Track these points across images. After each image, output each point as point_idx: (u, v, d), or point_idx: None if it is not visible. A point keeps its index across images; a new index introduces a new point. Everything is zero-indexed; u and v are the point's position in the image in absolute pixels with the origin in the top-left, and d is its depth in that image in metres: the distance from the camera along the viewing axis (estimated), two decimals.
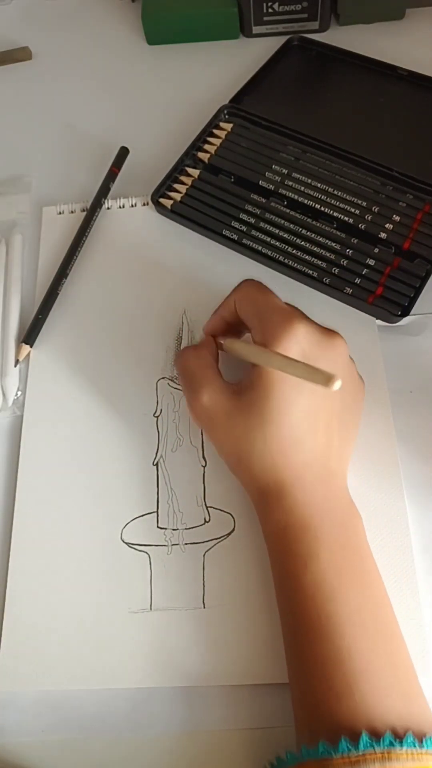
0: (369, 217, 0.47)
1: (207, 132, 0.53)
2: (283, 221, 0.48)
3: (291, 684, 0.32)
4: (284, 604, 0.33)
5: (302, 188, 0.49)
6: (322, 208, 0.48)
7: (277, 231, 0.47)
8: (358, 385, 0.38)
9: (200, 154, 0.52)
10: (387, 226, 0.46)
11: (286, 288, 0.46)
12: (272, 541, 0.35)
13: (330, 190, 0.48)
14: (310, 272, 0.45)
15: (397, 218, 0.47)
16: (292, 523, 0.33)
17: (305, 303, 0.44)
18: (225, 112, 0.54)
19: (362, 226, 0.47)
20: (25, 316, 0.47)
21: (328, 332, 0.35)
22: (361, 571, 0.33)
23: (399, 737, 0.28)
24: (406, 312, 0.43)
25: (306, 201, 0.48)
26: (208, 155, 0.52)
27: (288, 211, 0.48)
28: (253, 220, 0.48)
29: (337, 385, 0.28)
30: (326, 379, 0.28)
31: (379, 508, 0.38)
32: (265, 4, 0.58)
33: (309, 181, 0.49)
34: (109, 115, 0.58)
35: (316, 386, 0.29)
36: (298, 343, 0.33)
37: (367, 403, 0.41)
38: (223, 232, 0.48)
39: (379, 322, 0.44)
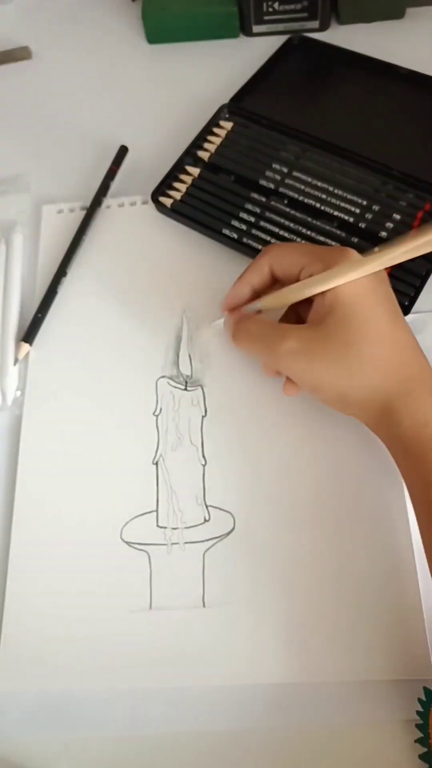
0: (369, 216, 0.47)
1: (207, 131, 0.53)
2: (283, 220, 0.47)
3: None
4: None
5: (303, 187, 0.49)
6: (323, 207, 0.48)
7: (277, 230, 0.47)
8: None
9: (200, 153, 0.52)
10: (387, 225, 0.46)
11: None
12: (412, 443, 0.34)
13: (330, 188, 0.48)
14: None
15: (398, 217, 0.47)
16: None
17: None
18: (225, 110, 0.54)
19: (363, 225, 0.47)
20: (25, 315, 0.47)
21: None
22: None
23: None
24: (406, 311, 0.43)
25: (306, 200, 0.48)
26: (208, 154, 0.51)
27: (288, 209, 0.48)
28: (253, 219, 0.48)
29: None
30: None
31: (379, 508, 0.38)
32: (265, 4, 0.58)
33: (309, 179, 0.49)
34: (109, 115, 0.58)
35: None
36: (361, 263, 0.35)
37: None
38: (223, 231, 0.47)
39: None
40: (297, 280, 0.37)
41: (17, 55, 0.62)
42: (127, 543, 0.39)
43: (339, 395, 0.36)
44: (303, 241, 0.39)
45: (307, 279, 0.36)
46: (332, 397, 0.36)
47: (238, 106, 0.54)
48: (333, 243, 0.46)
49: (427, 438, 0.33)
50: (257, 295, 0.40)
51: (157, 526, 0.39)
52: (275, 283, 0.39)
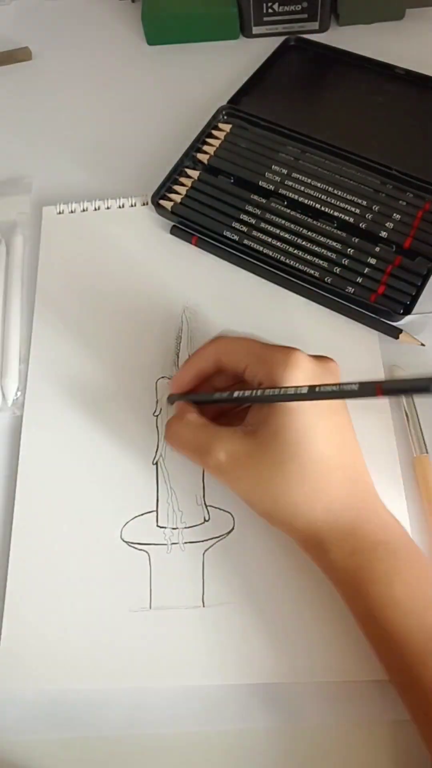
0: (369, 216, 0.47)
1: (206, 133, 0.53)
2: (283, 221, 0.48)
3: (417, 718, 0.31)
4: (380, 637, 0.32)
5: (302, 188, 0.49)
6: (323, 208, 0.48)
7: (277, 231, 0.47)
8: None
9: (199, 155, 0.52)
10: (388, 224, 0.46)
11: (284, 301, 0.46)
12: (343, 575, 0.32)
13: (330, 189, 0.48)
14: (312, 272, 0.45)
15: (398, 217, 0.47)
16: (360, 546, 0.32)
17: (304, 315, 0.45)
18: (223, 112, 0.54)
19: (363, 225, 0.47)
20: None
21: (323, 358, 0.36)
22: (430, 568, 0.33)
23: None
24: (408, 310, 0.43)
25: (306, 201, 0.48)
26: (207, 156, 0.51)
27: (288, 211, 0.48)
28: (253, 221, 0.48)
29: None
30: (373, 389, 0.27)
31: None
32: (264, 5, 0.58)
33: (309, 180, 0.49)
34: (109, 115, 0.58)
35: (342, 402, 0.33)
36: (303, 371, 0.33)
37: (366, 404, 0.41)
38: (224, 233, 0.47)
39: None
40: (242, 375, 0.36)
41: (17, 55, 0.62)
42: (127, 543, 0.39)
43: (266, 512, 0.35)
44: (252, 336, 0.36)
45: (237, 392, 0.35)
46: (259, 512, 0.35)
47: (236, 108, 0.54)
48: (334, 243, 0.46)
49: (355, 567, 0.32)
50: (202, 380, 0.38)
51: (157, 526, 0.39)
52: (221, 372, 0.38)
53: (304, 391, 0.31)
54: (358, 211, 0.47)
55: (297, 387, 0.31)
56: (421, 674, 0.30)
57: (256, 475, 0.33)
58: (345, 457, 0.34)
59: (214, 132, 0.53)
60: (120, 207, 0.51)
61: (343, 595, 0.33)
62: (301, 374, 0.33)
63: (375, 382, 0.27)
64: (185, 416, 0.37)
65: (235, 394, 0.35)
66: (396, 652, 0.31)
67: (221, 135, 0.52)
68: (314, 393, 0.30)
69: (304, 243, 0.46)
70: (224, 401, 0.37)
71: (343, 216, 0.47)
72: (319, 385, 0.30)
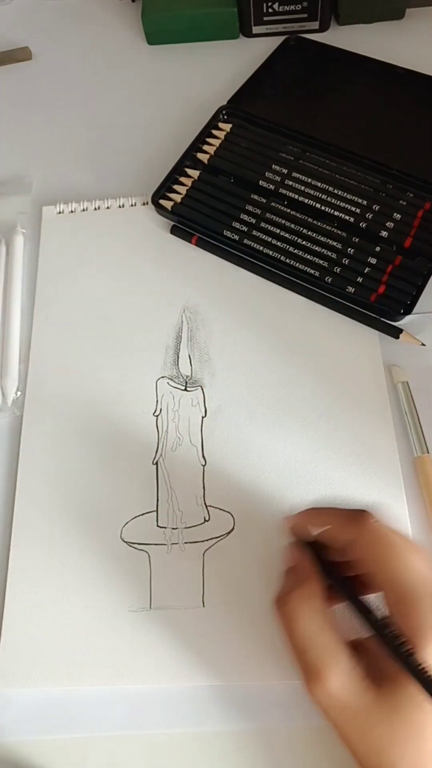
0: (370, 216, 0.47)
1: (206, 133, 0.53)
2: (283, 221, 0.48)
3: None
4: None
5: (302, 188, 0.49)
6: (323, 208, 0.48)
7: (277, 231, 0.47)
8: None
9: (200, 155, 0.52)
10: (388, 224, 0.46)
11: (284, 301, 0.46)
12: None
13: (330, 189, 0.48)
14: (312, 272, 0.45)
15: (398, 216, 0.47)
16: None
17: (304, 315, 0.45)
18: (224, 112, 0.54)
19: (363, 225, 0.47)
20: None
21: None
22: None
23: None
24: (408, 310, 0.43)
25: (306, 200, 0.48)
26: (207, 156, 0.51)
27: (288, 210, 0.48)
28: (253, 221, 0.48)
29: None
30: None
31: (379, 507, 0.38)
32: (264, 4, 0.58)
33: (309, 180, 0.49)
34: (109, 115, 0.58)
35: None
36: None
37: (367, 404, 0.41)
38: (224, 233, 0.47)
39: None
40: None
41: (17, 55, 0.62)
42: (127, 543, 0.39)
43: (361, 762, 0.28)
44: (417, 555, 0.29)
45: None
46: (355, 756, 0.28)
47: (237, 107, 0.54)
48: (334, 243, 0.46)
49: None
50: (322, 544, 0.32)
51: (157, 526, 0.39)
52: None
53: None
54: (358, 210, 0.47)
55: None
56: None
57: (364, 736, 0.27)
58: None
59: (215, 132, 0.53)
60: (120, 207, 0.51)
61: None
62: None
63: None
64: (314, 601, 0.30)
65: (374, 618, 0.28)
66: None
67: (221, 135, 0.52)
68: None
69: (304, 243, 0.46)
70: (363, 619, 0.29)
71: (343, 216, 0.47)
72: None
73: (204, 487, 0.40)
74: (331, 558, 0.32)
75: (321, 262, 0.45)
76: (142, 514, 0.39)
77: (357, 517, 0.30)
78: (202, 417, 0.42)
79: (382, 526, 0.30)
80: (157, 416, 0.42)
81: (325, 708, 0.28)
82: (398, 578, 0.28)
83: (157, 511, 0.39)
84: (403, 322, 0.43)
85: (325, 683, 0.28)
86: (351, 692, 0.28)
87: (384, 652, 0.28)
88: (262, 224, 0.48)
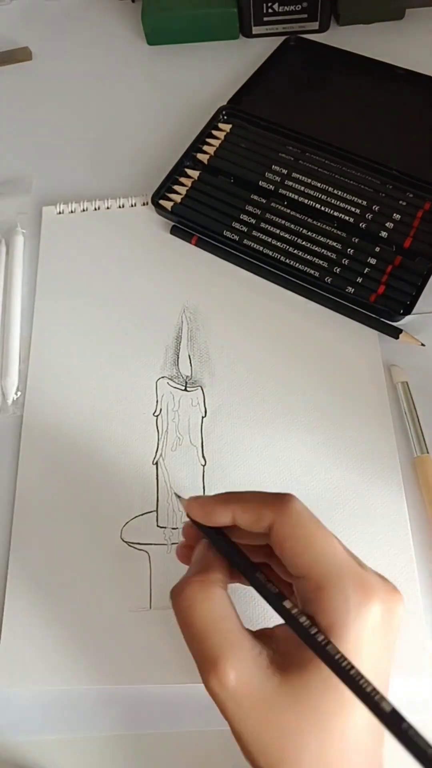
0: (369, 216, 0.47)
1: (206, 133, 0.53)
2: (283, 221, 0.48)
3: None
4: None
5: (302, 188, 0.49)
6: (323, 208, 0.48)
7: (277, 231, 0.47)
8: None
9: (199, 156, 0.52)
10: (388, 224, 0.46)
11: (284, 301, 0.46)
12: None
13: (330, 189, 0.48)
14: (312, 272, 0.45)
15: (398, 217, 0.47)
16: None
17: (304, 315, 0.45)
18: (223, 112, 0.54)
19: (363, 225, 0.47)
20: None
21: (392, 590, 0.27)
22: None
23: None
24: (408, 310, 0.43)
25: (306, 201, 0.48)
26: (207, 156, 0.51)
27: (288, 211, 0.48)
28: (253, 221, 0.48)
29: None
30: None
31: (379, 507, 0.38)
32: (264, 5, 0.58)
33: (309, 181, 0.49)
34: (109, 116, 0.58)
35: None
36: (372, 624, 0.25)
37: (367, 404, 0.41)
38: (224, 233, 0.47)
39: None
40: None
41: (17, 55, 0.63)
42: (127, 543, 0.39)
43: (252, 764, 0.26)
44: (330, 536, 0.28)
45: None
46: (246, 756, 0.26)
47: (237, 108, 0.54)
48: (334, 243, 0.46)
49: None
50: (239, 531, 0.29)
51: (157, 525, 0.39)
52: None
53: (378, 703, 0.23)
54: (358, 211, 0.47)
55: (366, 681, 0.24)
56: None
57: (266, 727, 0.25)
58: (374, 740, 0.26)
59: (215, 132, 0.53)
60: (120, 207, 0.51)
61: None
62: (370, 626, 0.25)
63: None
64: (211, 589, 0.27)
65: (287, 604, 0.26)
66: None
67: (221, 135, 0.53)
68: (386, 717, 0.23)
69: (304, 243, 0.46)
70: (259, 590, 0.28)
71: (343, 216, 0.47)
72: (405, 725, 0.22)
73: (204, 487, 0.40)
74: (244, 542, 0.30)
75: (321, 262, 0.45)
76: (142, 514, 0.39)
77: (278, 499, 0.28)
78: (202, 417, 0.42)
79: (306, 509, 0.28)
80: (157, 416, 0.42)
81: (222, 702, 0.26)
82: (322, 560, 0.26)
83: (157, 511, 0.39)
84: (402, 323, 0.43)
85: (222, 674, 0.25)
86: (251, 682, 0.25)
87: (295, 639, 0.26)
88: (262, 224, 0.48)
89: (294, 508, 0.28)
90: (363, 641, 0.25)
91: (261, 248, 0.46)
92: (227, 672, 0.25)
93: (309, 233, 0.47)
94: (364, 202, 0.47)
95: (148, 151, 0.54)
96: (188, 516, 0.30)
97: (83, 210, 0.51)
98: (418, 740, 0.22)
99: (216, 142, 0.52)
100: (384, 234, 0.46)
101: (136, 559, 0.38)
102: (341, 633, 0.25)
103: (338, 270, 0.45)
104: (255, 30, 0.60)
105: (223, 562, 0.29)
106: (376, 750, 0.26)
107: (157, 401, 0.43)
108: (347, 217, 0.47)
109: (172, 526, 0.39)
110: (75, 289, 0.48)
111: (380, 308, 0.43)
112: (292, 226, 0.47)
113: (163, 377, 0.44)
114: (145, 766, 0.34)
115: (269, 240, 0.47)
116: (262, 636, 0.27)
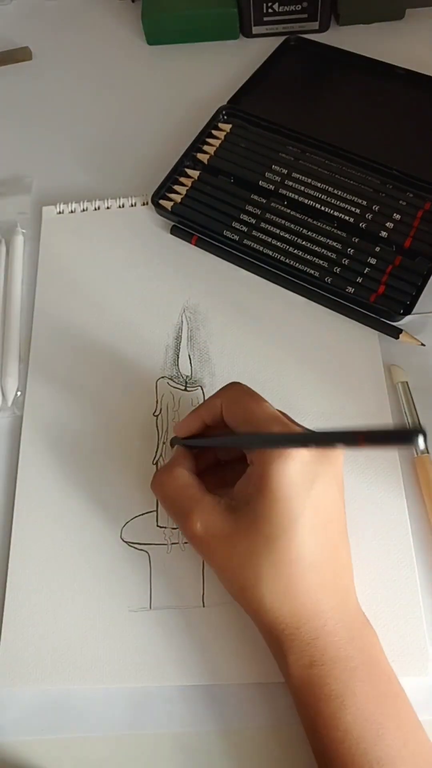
0: (370, 216, 0.47)
1: (206, 133, 0.53)
2: (283, 221, 0.48)
3: None
4: (324, 755, 0.29)
5: (302, 188, 0.49)
6: (323, 208, 0.48)
7: (277, 231, 0.47)
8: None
9: (199, 155, 0.52)
10: (388, 224, 0.46)
11: (284, 301, 0.46)
12: (298, 684, 0.30)
13: (330, 189, 0.48)
14: (312, 272, 0.45)
15: (398, 217, 0.47)
16: (319, 659, 0.30)
17: (304, 315, 0.45)
18: (223, 112, 0.54)
19: (363, 225, 0.47)
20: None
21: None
22: (395, 697, 0.31)
23: None
24: (408, 310, 0.43)
25: (306, 201, 0.48)
26: (207, 156, 0.51)
27: (288, 211, 0.48)
28: (253, 221, 0.48)
29: (421, 441, 0.23)
30: (405, 436, 0.24)
31: (379, 507, 0.38)
32: (264, 5, 0.58)
33: (309, 180, 0.49)
34: (109, 116, 0.58)
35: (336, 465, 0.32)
36: (299, 457, 0.30)
37: (367, 404, 0.41)
38: (224, 233, 0.47)
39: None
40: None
41: (17, 55, 0.63)
42: (127, 543, 0.39)
43: (232, 594, 0.33)
44: (263, 402, 0.34)
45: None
46: (227, 589, 0.33)
47: (236, 107, 0.54)
48: (334, 243, 0.46)
49: (310, 681, 0.30)
50: (210, 430, 0.36)
51: (157, 525, 0.39)
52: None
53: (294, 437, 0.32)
54: (358, 211, 0.47)
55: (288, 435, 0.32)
56: None
57: (229, 558, 0.31)
58: (325, 557, 0.31)
59: (214, 132, 0.53)
60: (120, 207, 0.51)
61: (295, 702, 0.31)
62: (296, 462, 0.30)
63: (358, 432, 0.25)
64: (174, 470, 0.35)
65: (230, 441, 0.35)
66: None
67: (221, 135, 0.53)
68: (294, 440, 0.32)
69: (304, 243, 0.46)
70: (218, 445, 0.37)
71: (343, 216, 0.47)
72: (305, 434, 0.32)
73: None
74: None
75: (321, 262, 0.45)
76: (142, 514, 0.39)
77: (223, 387, 0.35)
78: None
79: (244, 387, 0.35)
80: (157, 416, 0.42)
81: (198, 543, 0.32)
82: (252, 419, 0.33)
83: (157, 510, 0.39)
84: (402, 322, 0.43)
85: (192, 524, 0.32)
86: (214, 525, 0.32)
87: (243, 482, 0.32)
88: (262, 224, 0.48)
89: (233, 388, 0.35)
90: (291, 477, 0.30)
91: (261, 248, 0.46)
92: (195, 521, 0.32)
93: (309, 233, 0.47)
94: (364, 202, 0.47)
95: (148, 151, 0.54)
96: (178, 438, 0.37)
97: (83, 210, 0.51)
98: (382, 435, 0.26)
99: (216, 142, 0.52)
100: (384, 234, 0.46)
101: (136, 559, 0.38)
102: (270, 473, 0.30)
103: (338, 270, 0.45)
104: (255, 30, 0.60)
105: (189, 455, 0.36)
106: (336, 571, 0.32)
107: (157, 401, 0.43)
108: (347, 217, 0.47)
109: (172, 526, 0.39)
110: (75, 289, 0.48)
111: (380, 308, 0.43)
112: (292, 226, 0.47)
113: (163, 377, 0.44)
114: (145, 766, 0.34)
115: (269, 240, 0.47)
116: (220, 491, 0.34)
